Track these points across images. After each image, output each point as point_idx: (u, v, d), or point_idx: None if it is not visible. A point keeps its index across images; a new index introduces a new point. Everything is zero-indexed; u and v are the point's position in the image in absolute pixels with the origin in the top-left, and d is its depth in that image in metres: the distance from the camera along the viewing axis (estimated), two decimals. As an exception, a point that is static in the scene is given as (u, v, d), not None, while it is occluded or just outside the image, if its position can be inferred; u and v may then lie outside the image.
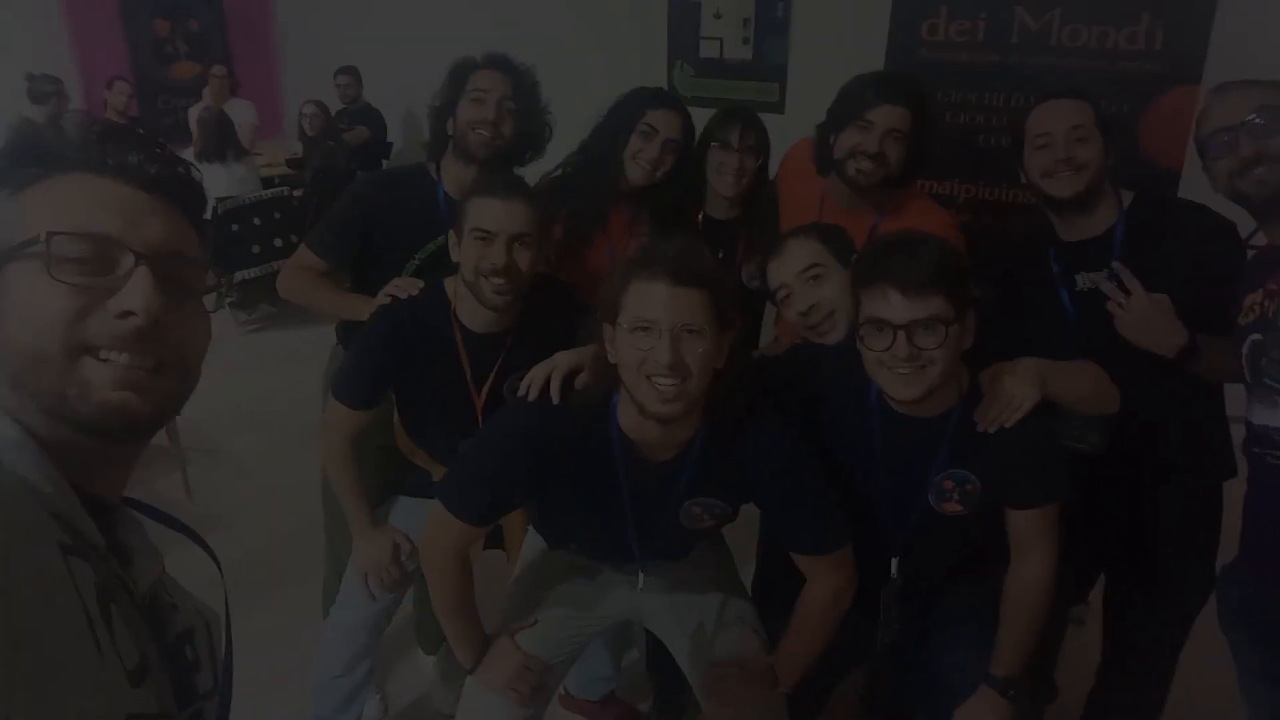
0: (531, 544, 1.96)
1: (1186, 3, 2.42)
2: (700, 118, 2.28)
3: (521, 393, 1.60)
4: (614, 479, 1.60)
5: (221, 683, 0.85)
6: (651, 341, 1.42)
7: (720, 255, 2.19)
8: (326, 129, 6.19)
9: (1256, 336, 1.59)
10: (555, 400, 1.57)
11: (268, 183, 6.04)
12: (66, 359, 0.71)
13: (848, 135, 2.01)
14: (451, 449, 1.91)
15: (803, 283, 1.80)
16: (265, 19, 7.00)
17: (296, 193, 5.88)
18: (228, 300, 5.49)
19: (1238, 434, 1.76)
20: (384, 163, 6.45)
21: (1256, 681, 1.75)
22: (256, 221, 5.50)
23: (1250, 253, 1.70)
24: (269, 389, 4.36)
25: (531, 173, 2.17)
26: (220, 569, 0.92)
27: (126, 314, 0.72)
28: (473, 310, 1.84)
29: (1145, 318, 1.73)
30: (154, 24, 7.03)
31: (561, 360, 1.60)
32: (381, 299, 1.91)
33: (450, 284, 1.88)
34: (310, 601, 2.51)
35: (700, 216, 2.28)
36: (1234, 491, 1.81)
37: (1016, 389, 1.57)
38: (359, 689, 2.13)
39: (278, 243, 5.57)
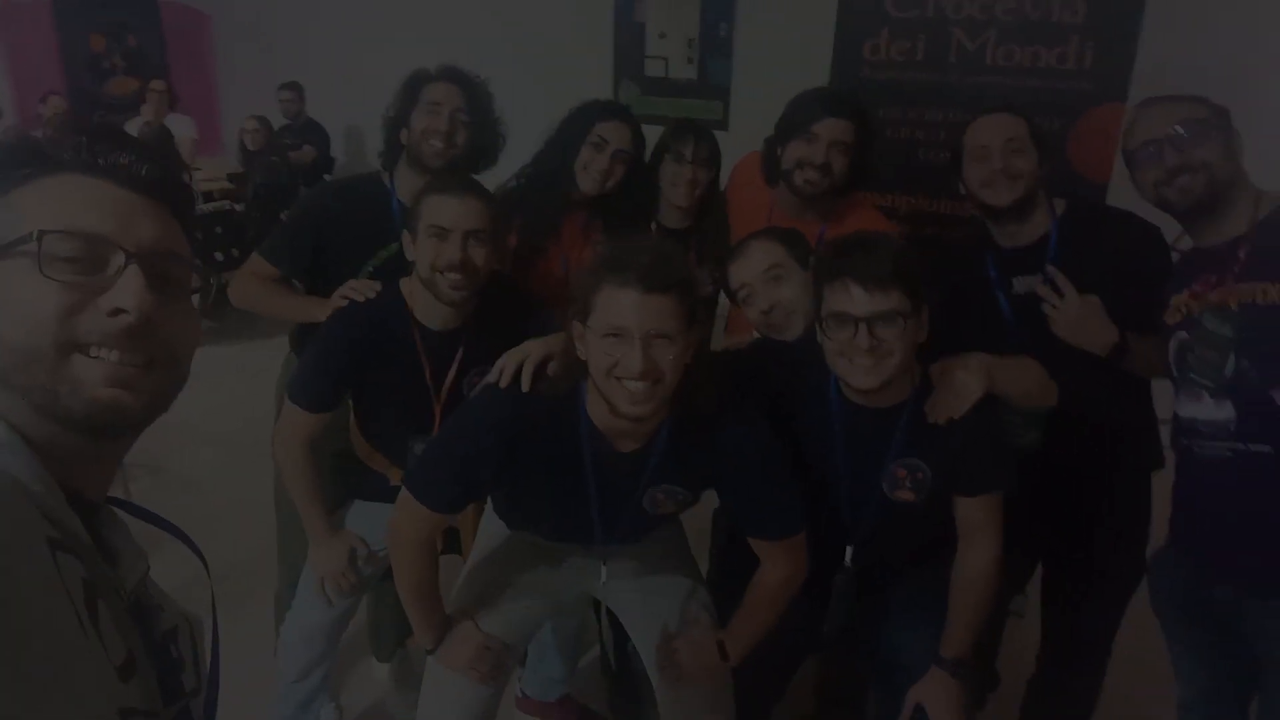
0: (488, 528, 1.98)
1: (1113, 25, 2.56)
2: (648, 135, 2.33)
3: (493, 379, 1.62)
4: (581, 467, 1.63)
5: (208, 682, 0.85)
6: (623, 348, 1.43)
7: None
8: (269, 144, 6.14)
9: (1182, 335, 1.69)
10: (525, 388, 1.59)
11: (207, 197, 5.97)
12: (58, 356, 0.71)
13: (794, 147, 2.10)
14: (410, 449, 1.94)
15: (764, 283, 1.86)
16: (204, 35, 6.92)
17: (238, 207, 5.82)
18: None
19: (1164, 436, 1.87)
20: (326, 178, 6.42)
21: (1186, 659, 1.85)
22: (198, 236, 5.43)
23: (1176, 256, 1.80)
24: (215, 404, 4.28)
25: (485, 183, 2.21)
26: (207, 568, 0.92)
27: (118, 312, 0.73)
28: (430, 308, 1.86)
29: (1078, 318, 1.83)
30: (90, 39, 6.91)
31: (533, 349, 1.63)
32: (337, 301, 1.92)
33: (406, 284, 1.90)
34: (263, 618, 2.49)
35: (654, 226, 2.34)
36: (1162, 483, 1.91)
37: (965, 382, 1.65)
38: (315, 695, 2.13)
39: (219, 257, 5.50)
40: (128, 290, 0.73)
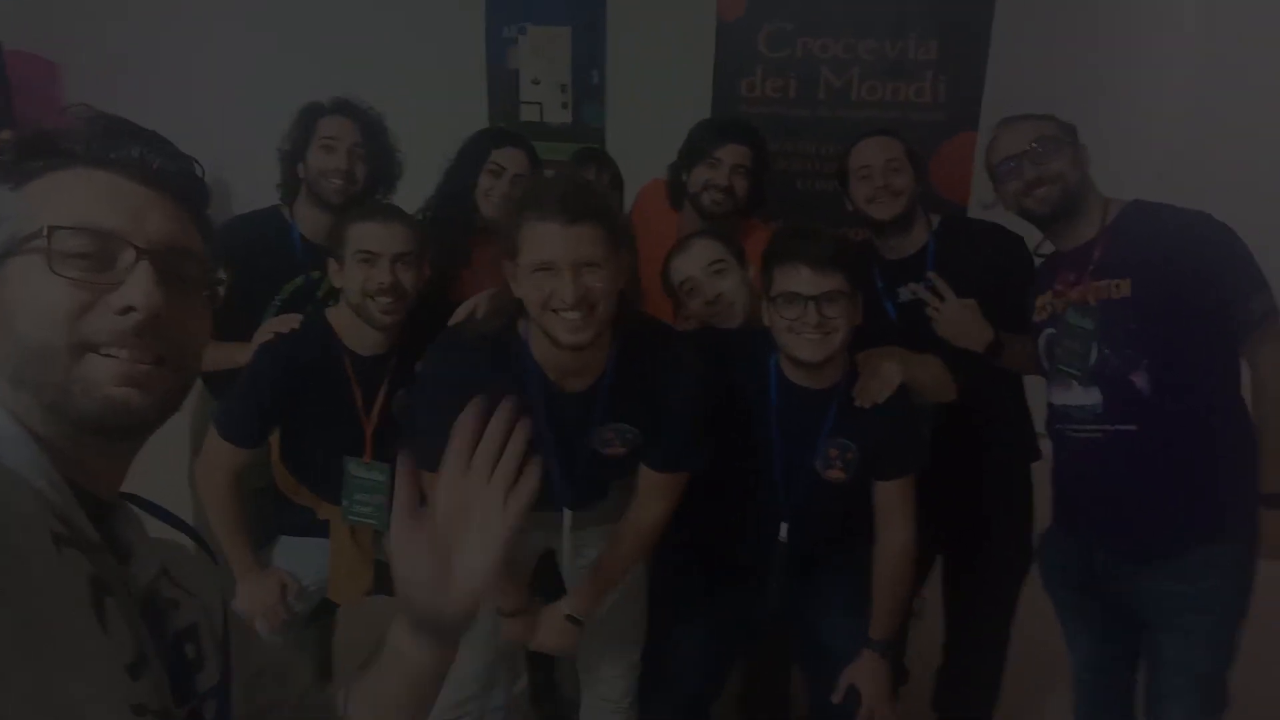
0: None
1: (963, 62, 2.83)
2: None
3: (453, 322, 1.70)
4: (534, 412, 1.65)
5: (219, 683, 0.82)
6: (554, 280, 1.46)
7: None
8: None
9: (1050, 330, 1.87)
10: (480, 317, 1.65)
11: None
12: (70, 356, 0.70)
13: (699, 171, 2.24)
14: (339, 482, 1.93)
15: (708, 275, 1.98)
16: (54, 83, 6.61)
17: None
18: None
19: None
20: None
21: (1076, 630, 2.02)
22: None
23: (1039, 260, 2.00)
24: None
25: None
26: (216, 563, 0.91)
27: (127, 309, 0.71)
28: (360, 334, 1.88)
29: (957, 319, 2.00)
30: (-74, 91, 6.49)
31: (483, 296, 1.71)
32: (263, 336, 1.91)
33: (333, 313, 1.92)
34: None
35: None
36: (1042, 474, 2.08)
37: (888, 369, 1.81)
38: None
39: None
40: (137, 287, 0.71)
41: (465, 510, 0.89)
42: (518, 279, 1.53)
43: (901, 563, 1.86)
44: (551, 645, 1.86)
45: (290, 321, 1.93)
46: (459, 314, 1.73)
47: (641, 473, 1.79)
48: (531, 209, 1.48)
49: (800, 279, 1.69)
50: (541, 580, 2.00)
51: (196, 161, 0.81)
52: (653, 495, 1.79)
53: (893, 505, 1.86)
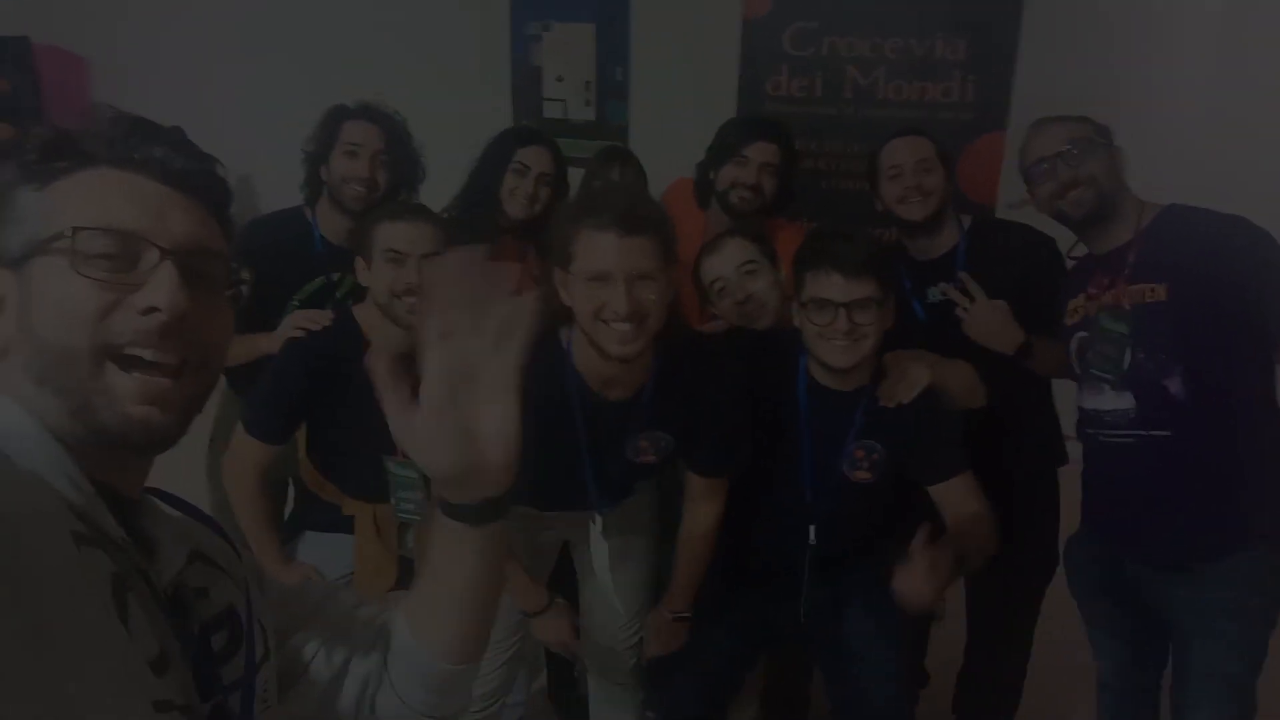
0: None
1: (991, 62, 2.80)
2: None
3: None
4: (571, 421, 1.66)
5: (244, 675, 0.81)
6: (608, 291, 1.47)
7: None
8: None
9: (1082, 334, 1.85)
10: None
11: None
12: (94, 361, 0.70)
13: (727, 170, 2.24)
14: (366, 478, 1.93)
15: (740, 275, 1.98)
16: (81, 79, 6.67)
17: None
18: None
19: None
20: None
21: (1102, 636, 2.00)
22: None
23: (1071, 263, 1.98)
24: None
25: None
26: (239, 556, 0.90)
27: (150, 310, 0.71)
28: (387, 333, 1.87)
29: (987, 320, 1.98)
30: (-45, 86, 6.55)
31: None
32: (290, 333, 1.92)
33: (360, 311, 1.92)
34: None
35: None
36: (1069, 479, 2.06)
37: (915, 371, 1.79)
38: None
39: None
40: (161, 288, 0.71)
41: (465, 377, 0.79)
42: (569, 287, 1.53)
43: (983, 525, 1.75)
44: (669, 647, 1.94)
45: (321, 318, 1.93)
46: None
47: (687, 480, 1.81)
48: (589, 218, 1.49)
49: (832, 285, 1.68)
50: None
51: (218, 161, 0.81)
52: (700, 502, 1.82)
53: (956, 499, 1.79)
